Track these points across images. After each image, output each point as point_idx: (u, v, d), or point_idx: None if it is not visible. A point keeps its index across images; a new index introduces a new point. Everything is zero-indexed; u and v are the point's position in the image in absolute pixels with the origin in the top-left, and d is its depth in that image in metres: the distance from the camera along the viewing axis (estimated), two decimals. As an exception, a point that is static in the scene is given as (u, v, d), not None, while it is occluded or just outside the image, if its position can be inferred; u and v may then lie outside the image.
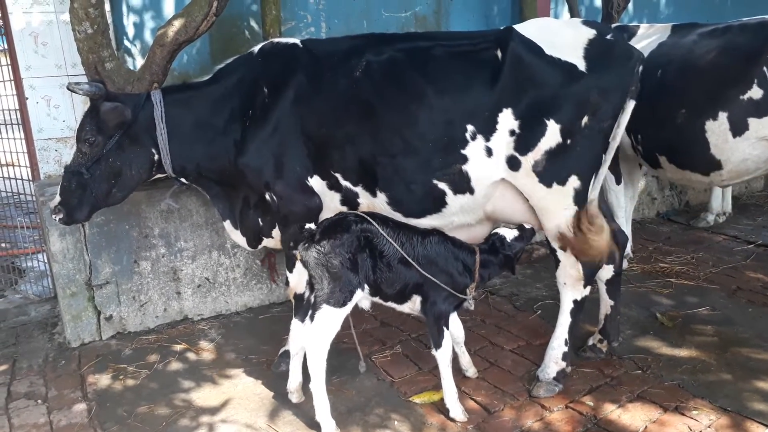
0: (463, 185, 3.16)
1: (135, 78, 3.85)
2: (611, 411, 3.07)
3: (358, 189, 3.31)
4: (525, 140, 3.06)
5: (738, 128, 3.83)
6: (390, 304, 3.10)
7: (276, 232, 3.61)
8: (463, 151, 3.10)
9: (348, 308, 2.93)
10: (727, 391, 3.17)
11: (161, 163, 3.44)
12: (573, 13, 5.70)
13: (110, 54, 3.80)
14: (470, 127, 3.08)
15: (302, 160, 3.29)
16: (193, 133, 3.43)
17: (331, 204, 3.41)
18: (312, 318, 2.94)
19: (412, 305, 3.10)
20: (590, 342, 3.68)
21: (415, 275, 3.00)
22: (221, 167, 3.46)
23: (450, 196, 3.19)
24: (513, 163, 3.10)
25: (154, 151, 3.41)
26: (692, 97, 3.98)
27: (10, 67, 4.45)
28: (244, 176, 3.40)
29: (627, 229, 5.01)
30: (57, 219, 3.38)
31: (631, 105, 3.16)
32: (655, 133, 4.20)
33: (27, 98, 4.31)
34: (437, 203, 3.23)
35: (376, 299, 3.07)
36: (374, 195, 3.29)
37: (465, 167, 3.12)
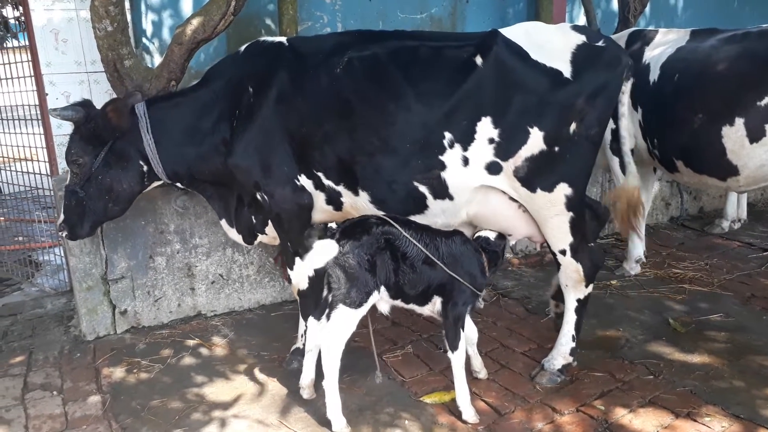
0: (441, 191, 3.16)
1: (153, 76, 3.89)
2: (622, 416, 3.06)
3: (340, 188, 3.32)
4: (505, 147, 3.04)
5: (755, 134, 3.81)
6: (411, 306, 3.11)
7: (269, 229, 3.65)
8: (440, 158, 3.09)
9: (364, 309, 2.95)
10: (740, 399, 3.15)
11: (152, 173, 3.49)
12: (589, 17, 5.69)
13: (129, 52, 3.84)
14: (448, 135, 3.06)
15: (288, 160, 3.30)
16: (182, 138, 3.46)
17: (317, 203, 3.43)
18: (328, 317, 2.97)
19: (432, 307, 3.11)
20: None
21: (439, 276, 3.01)
22: (213, 169, 3.49)
23: (430, 200, 3.20)
24: (493, 169, 3.09)
25: (142, 162, 3.46)
26: (709, 103, 3.97)
27: (30, 63, 4.51)
28: (234, 176, 3.43)
29: (641, 234, 4.99)
30: (63, 236, 3.53)
31: (626, 109, 3.24)
32: (672, 138, 4.19)
33: (47, 94, 4.36)
34: (418, 205, 3.23)
35: (398, 302, 3.07)
36: (356, 194, 3.29)
37: (443, 174, 3.11)
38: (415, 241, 2.97)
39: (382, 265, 2.93)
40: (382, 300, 3.03)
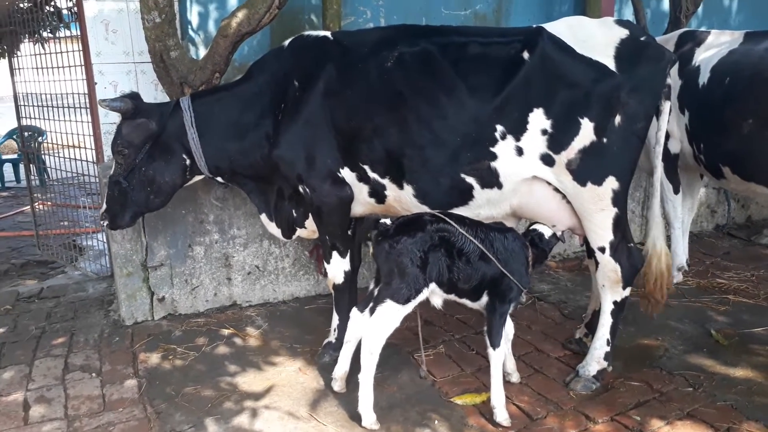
0: (491, 180, 3.16)
1: (197, 67, 3.95)
2: (659, 427, 2.98)
3: (385, 181, 3.33)
4: (558, 139, 3.05)
5: (808, 142, 3.66)
6: (464, 300, 3.11)
7: (309, 223, 3.69)
8: (492, 149, 3.10)
9: (410, 306, 2.94)
10: (784, 416, 3.04)
11: (194, 167, 3.54)
12: (638, 16, 5.54)
13: (175, 43, 3.90)
14: (499, 127, 3.08)
15: (332, 152, 3.33)
16: (225, 132, 3.51)
17: (360, 196, 3.44)
18: (372, 311, 2.97)
19: (481, 302, 3.10)
20: (577, 335, 3.74)
21: (491, 271, 2.99)
22: (254, 164, 3.53)
23: (477, 190, 3.20)
24: (547, 161, 3.09)
25: (185, 156, 3.51)
26: (761, 107, 3.82)
27: (81, 52, 4.63)
28: (277, 169, 3.46)
29: (684, 241, 4.86)
30: (104, 225, 3.61)
31: (667, 106, 3.18)
32: (719, 143, 4.04)
33: (96, 83, 4.48)
34: (464, 196, 3.24)
35: (451, 296, 3.07)
36: (401, 187, 3.30)
37: (494, 164, 3.13)
38: (471, 238, 2.95)
39: (434, 262, 2.92)
40: (435, 294, 3.03)
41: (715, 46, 4.24)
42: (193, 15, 4.64)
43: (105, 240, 5.04)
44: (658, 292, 3.34)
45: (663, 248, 3.33)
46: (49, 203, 6.73)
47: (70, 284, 5.01)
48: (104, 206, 3.57)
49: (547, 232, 3.19)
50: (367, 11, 5.10)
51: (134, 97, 3.48)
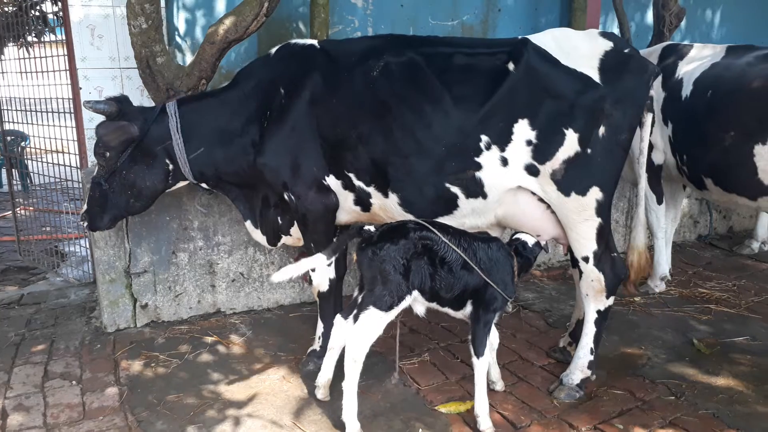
0: (476, 190, 3.18)
1: (184, 73, 3.94)
2: (641, 436, 3.00)
3: (371, 189, 3.34)
4: (543, 149, 3.07)
5: (788, 154, 3.72)
6: (446, 309, 3.11)
7: (294, 230, 3.68)
8: (477, 159, 3.12)
9: (393, 313, 2.93)
10: (765, 425, 3.06)
11: (178, 172, 3.53)
12: (622, 29, 5.63)
13: (162, 49, 3.89)
14: (484, 137, 3.10)
15: (318, 160, 3.34)
16: (211, 139, 3.49)
17: (345, 204, 3.45)
18: (356, 318, 2.96)
19: (464, 311, 3.10)
20: (560, 344, 3.76)
21: (474, 281, 3.00)
22: (239, 171, 3.52)
23: (462, 200, 3.22)
24: (531, 171, 3.12)
25: (168, 161, 3.49)
26: (742, 120, 3.88)
27: (66, 57, 4.60)
28: (262, 176, 3.45)
29: (667, 251, 4.91)
30: (84, 225, 3.59)
31: (649, 118, 3.23)
32: (702, 155, 4.11)
33: (80, 88, 4.45)
34: (449, 205, 3.25)
35: (433, 305, 3.07)
36: (386, 196, 3.31)
37: (479, 174, 3.15)
38: (454, 246, 2.96)
39: (417, 269, 2.92)
40: (417, 302, 3.02)
41: (698, 60, 4.31)
42: (180, 21, 4.63)
43: (88, 246, 4.99)
44: (634, 280, 3.51)
45: (642, 248, 3.48)
46: (31, 208, 6.65)
47: (52, 290, 4.94)
48: (85, 207, 3.55)
49: (530, 241, 3.21)
50: (354, 20, 5.13)
51: (122, 100, 3.45)
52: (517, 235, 3.25)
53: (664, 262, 4.86)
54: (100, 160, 3.44)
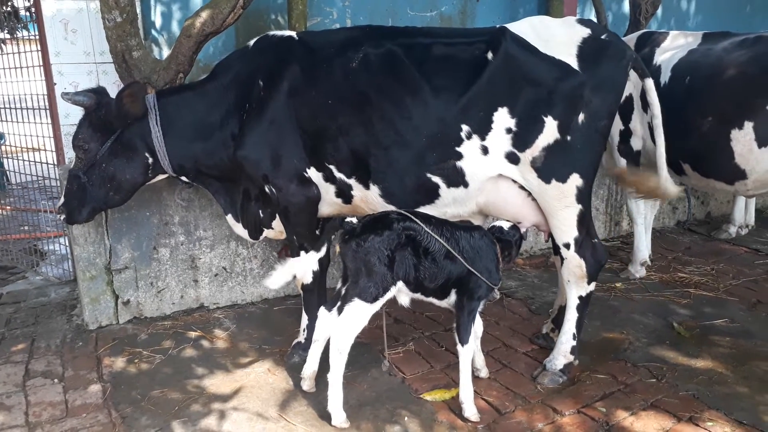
0: (457, 179, 3.19)
1: (161, 67, 3.89)
2: (624, 418, 3.03)
3: (352, 181, 3.33)
4: (523, 137, 3.09)
5: (763, 138, 3.78)
6: (431, 299, 3.12)
7: (276, 223, 3.67)
8: (457, 149, 3.13)
9: (378, 304, 2.94)
10: (744, 404, 3.12)
11: (157, 165, 3.50)
12: (599, 18, 5.66)
13: (138, 43, 3.84)
14: (465, 127, 3.10)
15: (298, 152, 3.32)
16: (190, 132, 3.47)
17: (326, 196, 3.44)
18: (341, 310, 2.96)
19: (449, 300, 3.11)
20: (543, 330, 3.81)
21: (458, 270, 3.00)
22: (219, 163, 3.50)
23: (443, 189, 3.23)
24: (512, 159, 3.14)
25: (147, 155, 3.46)
26: (719, 106, 3.94)
27: (40, 53, 4.52)
28: (243, 169, 3.43)
29: (647, 237, 4.97)
30: (61, 218, 3.57)
31: (650, 83, 3.28)
32: (680, 140, 4.15)
33: (55, 84, 4.37)
34: (430, 195, 3.26)
35: (417, 295, 3.07)
36: (367, 188, 3.31)
37: (460, 163, 3.16)
38: (436, 236, 2.96)
39: (401, 260, 2.92)
40: (401, 293, 3.03)
41: (675, 47, 4.36)
42: (156, 15, 4.57)
43: (67, 243, 4.93)
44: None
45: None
46: (8, 207, 6.56)
47: (31, 289, 4.88)
48: (62, 200, 3.50)
49: (505, 225, 3.22)
50: (333, 12, 5.10)
51: (100, 92, 3.42)
52: (493, 222, 3.27)
53: (644, 248, 4.92)
54: (79, 152, 3.40)
